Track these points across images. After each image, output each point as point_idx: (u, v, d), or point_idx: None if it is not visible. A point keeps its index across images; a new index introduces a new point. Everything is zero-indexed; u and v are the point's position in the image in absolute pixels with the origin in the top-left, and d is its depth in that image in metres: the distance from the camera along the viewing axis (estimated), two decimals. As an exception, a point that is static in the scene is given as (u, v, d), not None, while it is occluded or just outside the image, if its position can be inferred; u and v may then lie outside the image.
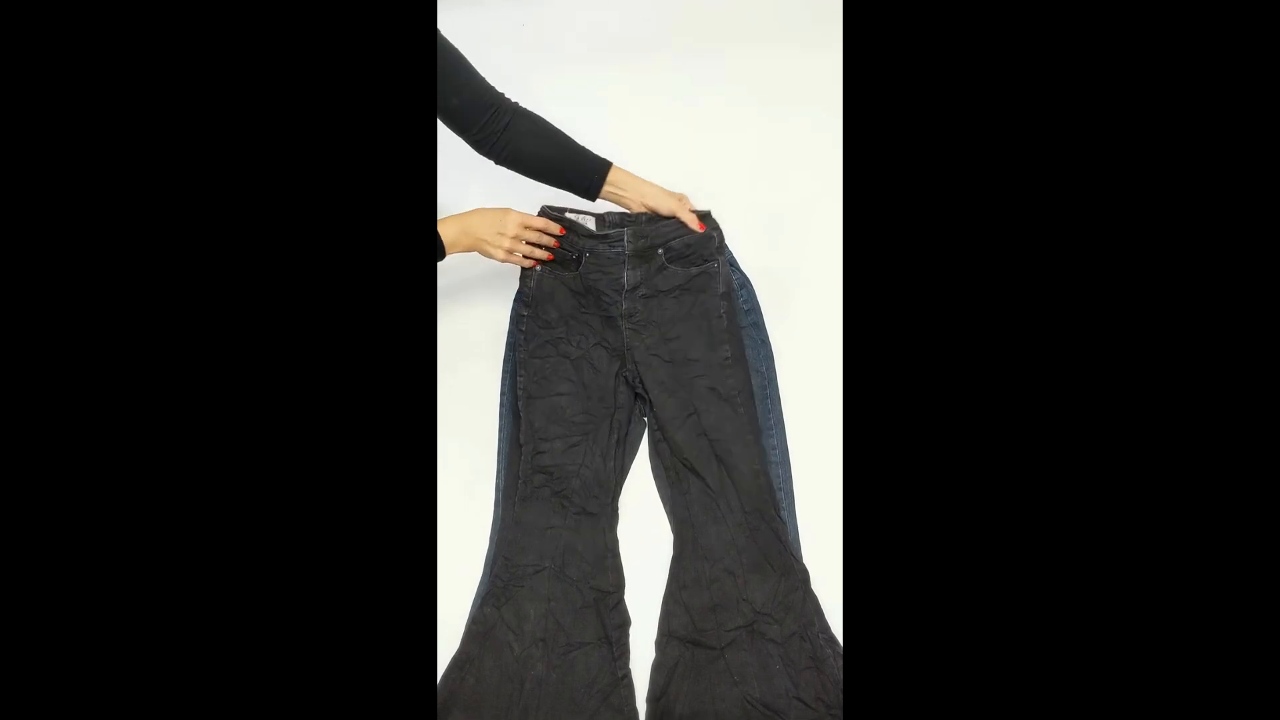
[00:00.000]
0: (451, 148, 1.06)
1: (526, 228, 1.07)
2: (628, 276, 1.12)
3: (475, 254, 1.05)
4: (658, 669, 0.93)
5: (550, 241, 1.10)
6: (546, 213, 1.13)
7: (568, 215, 1.13)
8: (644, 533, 1.01)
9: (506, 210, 1.06)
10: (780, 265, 1.16)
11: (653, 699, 0.91)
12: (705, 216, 1.14)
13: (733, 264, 1.11)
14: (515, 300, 1.14)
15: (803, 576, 0.97)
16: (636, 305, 1.12)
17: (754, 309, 1.10)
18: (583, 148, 1.09)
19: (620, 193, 1.10)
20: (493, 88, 1.05)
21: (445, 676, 0.91)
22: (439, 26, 1.02)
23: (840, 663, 0.91)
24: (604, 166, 1.09)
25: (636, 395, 1.10)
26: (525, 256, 1.10)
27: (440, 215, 1.04)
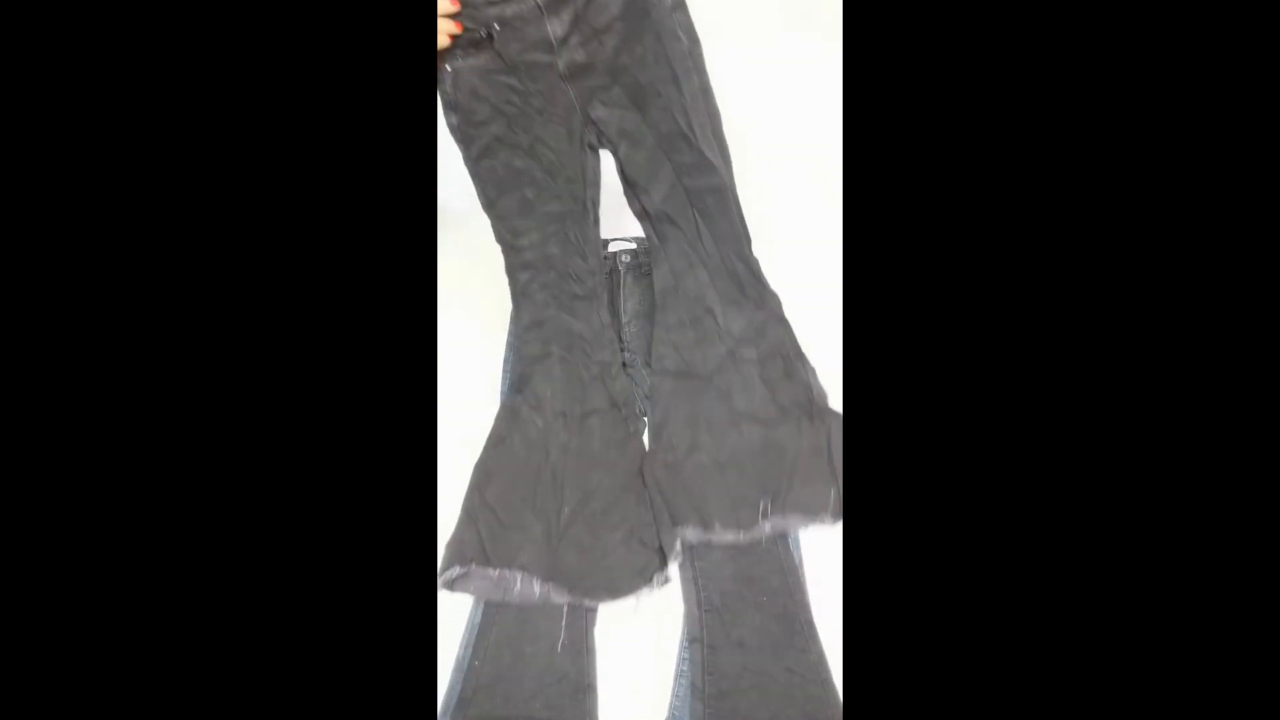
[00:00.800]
0: (453, 150, 1.07)
1: None
2: (553, 27, 0.94)
3: (474, 255, 1.05)
4: (655, 402, 1.02)
5: (449, 25, 0.91)
6: None
7: None
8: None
9: None
10: (780, 265, 1.16)
11: (655, 430, 1.00)
12: None
13: None
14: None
15: (775, 306, 1.03)
16: (575, 56, 0.96)
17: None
18: None
19: None
20: None
21: (482, 455, 0.99)
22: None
23: (811, 375, 0.98)
24: None
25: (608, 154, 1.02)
26: None
27: (440, 215, 1.04)
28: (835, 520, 0.91)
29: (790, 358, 1.01)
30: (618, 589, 0.92)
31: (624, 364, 1.08)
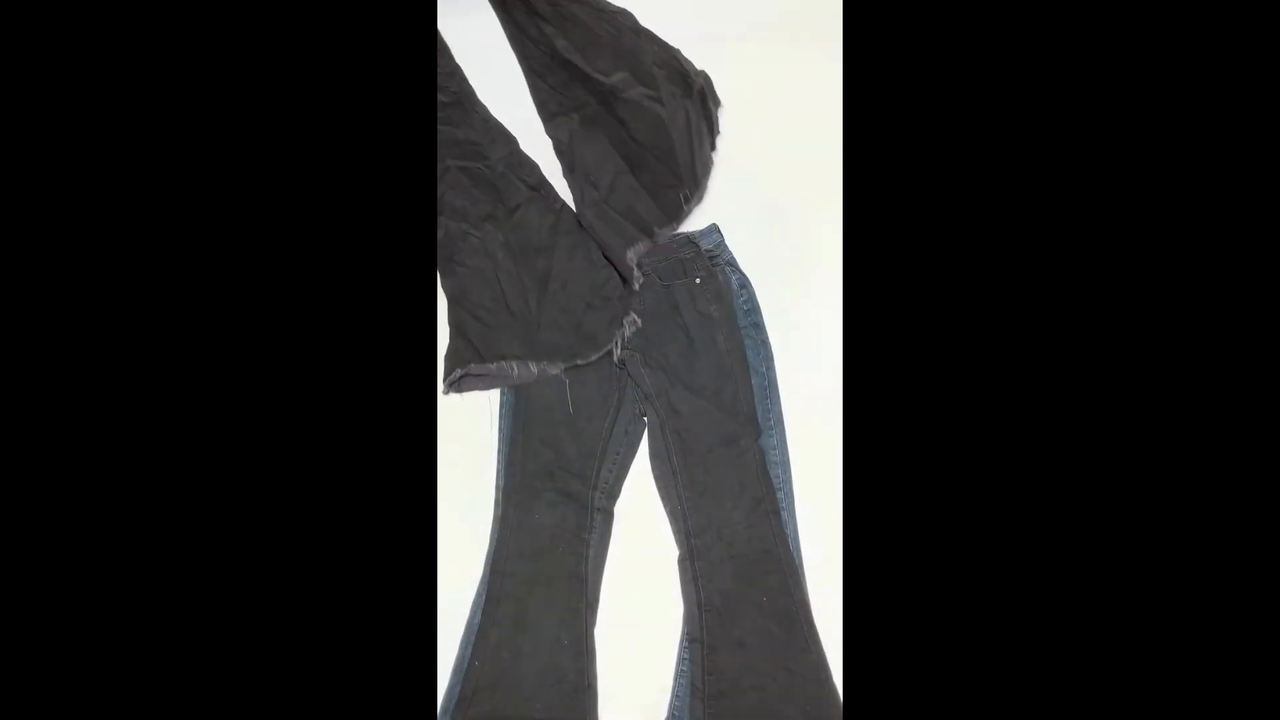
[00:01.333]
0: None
1: None
2: None
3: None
4: (559, 151, 1.11)
5: None
6: None
7: None
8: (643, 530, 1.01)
9: None
10: (780, 265, 1.16)
11: (569, 174, 1.09)
12: None
13: (732, 264, 1.11)
14: None
15: (629, 21, 1.13)
16: None
17: (754, 309, 1.10)
18: None
19: None
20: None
21: (442, 280, 1.05)
22: (439, 30, 1.04)
23: (677, 56, 1.11)
24: None
25: None
26: None
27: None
28: (714, 142, 1.13)
29: (662, 61, 1.10)
30: (598, 342, 1.02)
31: (622, 363, 1.08)
